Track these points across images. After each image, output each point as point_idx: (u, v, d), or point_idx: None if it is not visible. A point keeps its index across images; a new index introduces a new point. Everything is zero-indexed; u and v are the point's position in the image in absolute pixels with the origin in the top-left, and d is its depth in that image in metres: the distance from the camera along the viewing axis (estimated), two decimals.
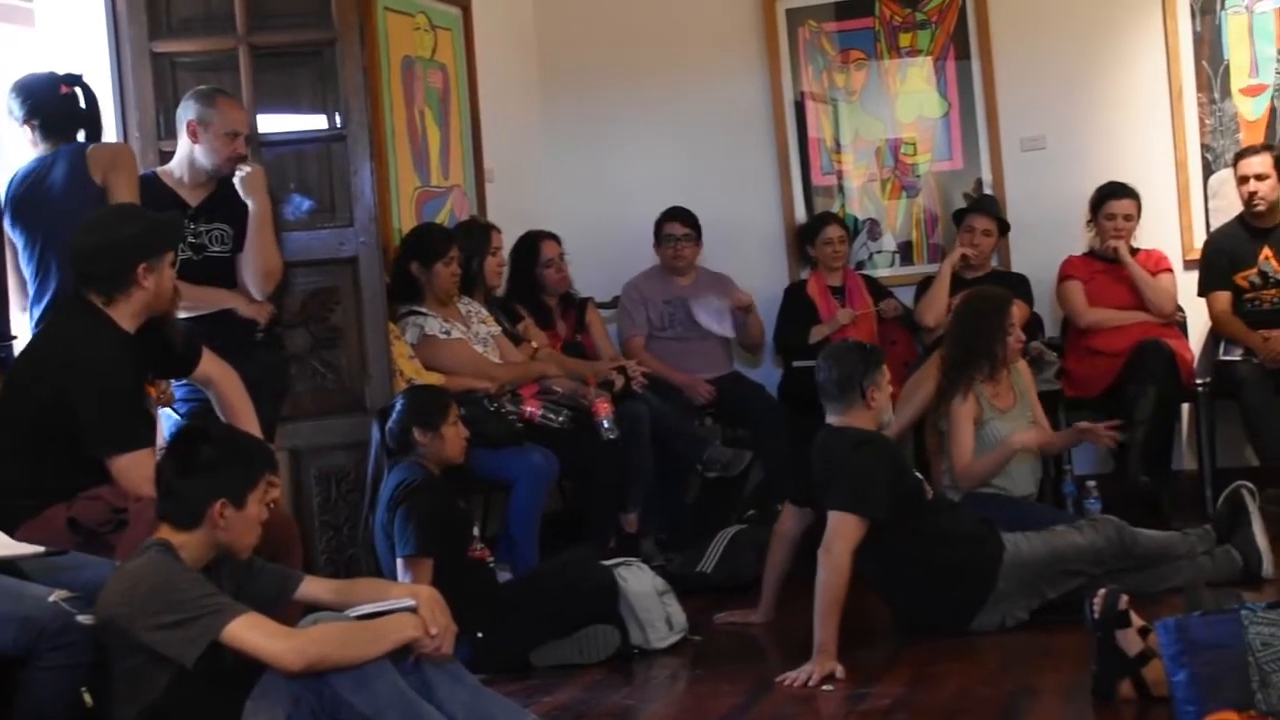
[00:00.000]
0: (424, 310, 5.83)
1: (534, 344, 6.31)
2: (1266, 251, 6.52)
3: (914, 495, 4.90)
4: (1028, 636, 4.82)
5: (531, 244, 6.63)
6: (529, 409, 5.79)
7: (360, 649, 3.32)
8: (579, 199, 7.63)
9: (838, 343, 5.77)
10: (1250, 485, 5.37)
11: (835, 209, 7.43)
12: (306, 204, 5.40)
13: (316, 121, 5.51)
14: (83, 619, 3.36)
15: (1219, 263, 6.61)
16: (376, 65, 6.05)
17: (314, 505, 5.32)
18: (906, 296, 7.15)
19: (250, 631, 3.27)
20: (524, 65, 7.69)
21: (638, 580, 5.00)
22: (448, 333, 5.83)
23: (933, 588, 4.91)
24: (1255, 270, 6.53)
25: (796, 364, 6.92)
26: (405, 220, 6.26)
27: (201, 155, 4.94)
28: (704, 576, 5.81)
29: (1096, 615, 4.01)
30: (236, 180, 4.96)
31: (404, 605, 3.49)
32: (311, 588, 3.69)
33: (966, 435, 5.53)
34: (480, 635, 4.62)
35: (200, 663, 3.26)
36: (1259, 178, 6.48)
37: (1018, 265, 7.15)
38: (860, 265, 7.43)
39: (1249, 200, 6.51)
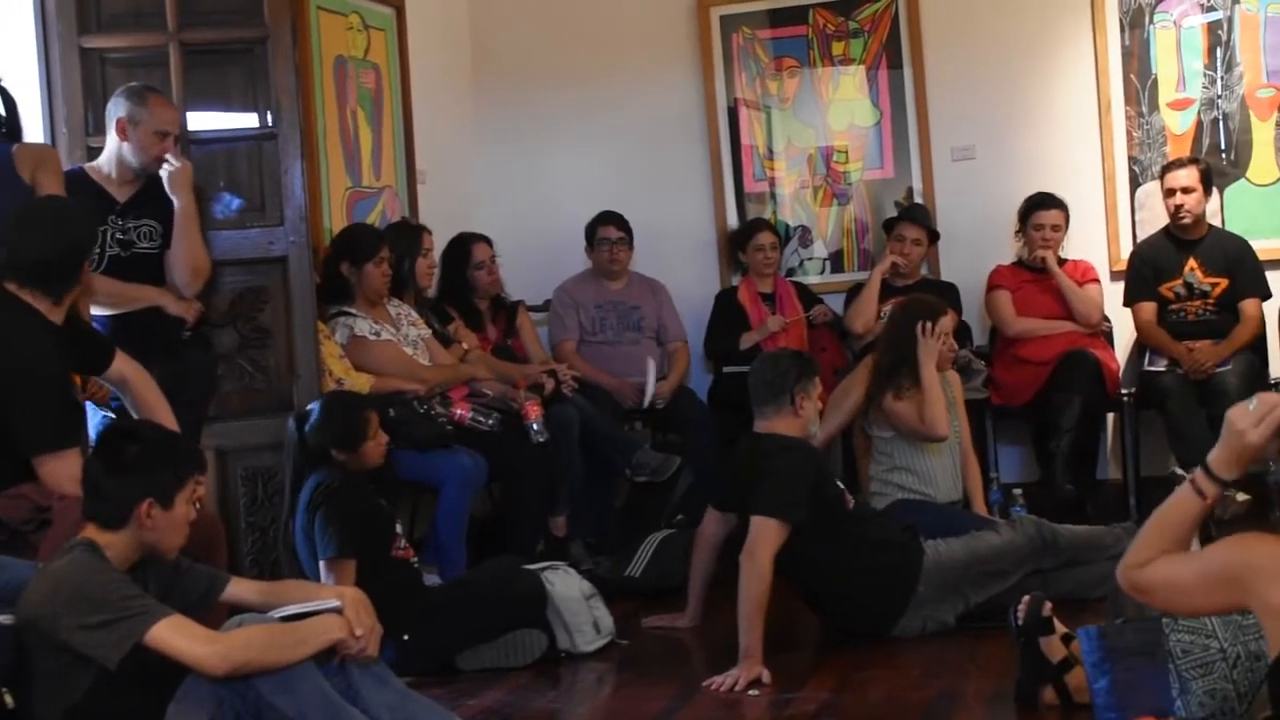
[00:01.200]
0: (353, 311, 5.80)
1: (464, 346, 6.30)
2: (1192, 263, 6.60)
3: (835, 503, 4.93)
4: (954, 643, 4.85)
5: (463, 246, 6.61)
6: (458, 411, 5.78)
7: (285, 652, 3.29)
8: (511, 202, 7.61)
9: (775, 349, 5.80)
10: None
11: (767, 215, 7.45)
12: (236, 202, 5.36)
13: (247, 120, 5.47)
14: (3, 619, 3.32)
15: (1145, 274, 6.68)
16: (308, 64, 6.02)
17: (240, 506, 5.29)
18: (836, 304, 7.18)
19: (174, 634, 3.24)
20: (457, 67, 7.67)
21: (565, 584, 5.00)
22: (377, 334, 5.81)
23: (855, 594, 4.93)
24: (1180, 282, 6.60)
25: (727, 370, 6.95)
26: (336, 220, 6.23)
27: (130, 153, 4.90)
28: (632, 580, 5.81)
29: (1020, 622, 4.04)
30: (163, 175, 4.91)
31: (329, 607, 3.47)
32: (238, 589, 3.67)
33: (910, 412, 5.56)
34: (406, 638, 4.61)
35: (124, 665, 3.22)
36: (1185, 191, 6.55)
37: (947, 274, 7.21)
38: (791, 272, 7.46)
39: (1175, 213, 6.59)
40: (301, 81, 5.47)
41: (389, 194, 6.69)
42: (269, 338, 5.35)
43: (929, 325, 5.55)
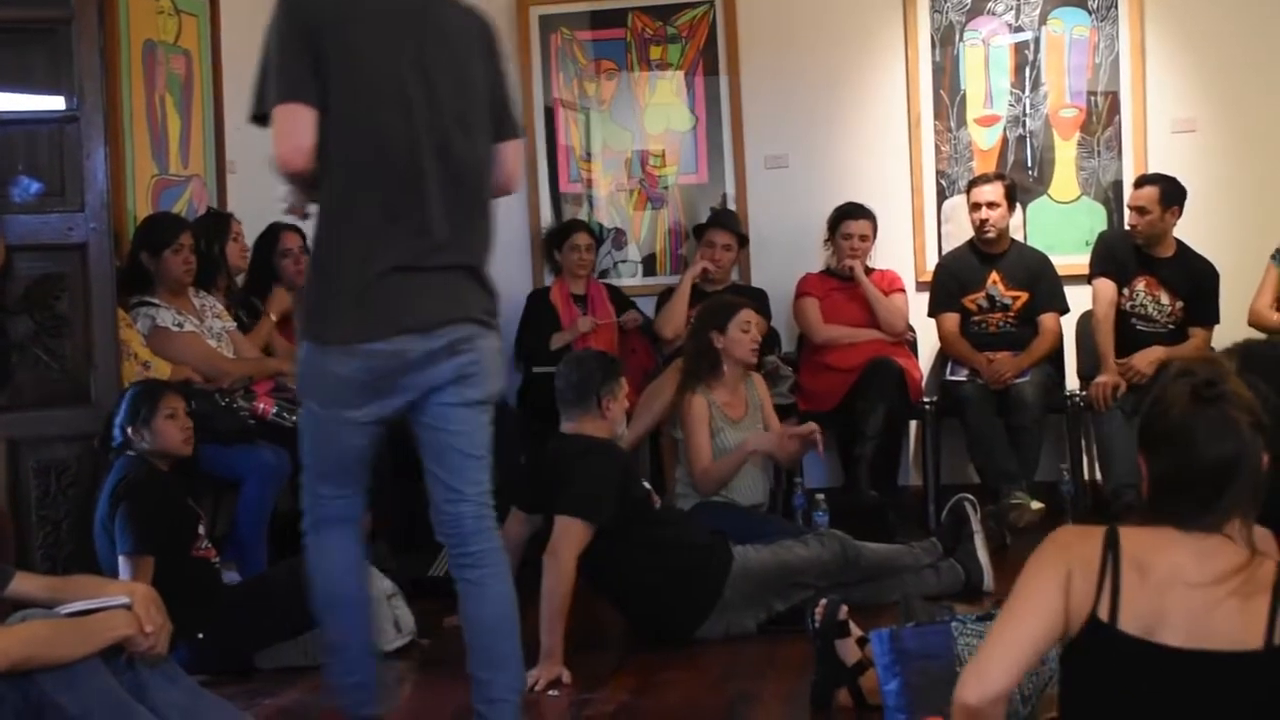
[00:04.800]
0: (156, 301, 5.68)
1: (271, 316, 6.22)
2: (994, 276, 6.75)
3: (641, 504, 4.95)
4: (754, 645, 4.90)
5: (272, 234, 6.51)
6: (262, 406, 5.68)
7: (69, 647, 3.21)
8: None
9: (580, 350, 5.81)
10: (971, 498, 5.56)
11: (582, 217, 7.46)
12: (35, 186, 5.21)
13: (50, 102, 5.32)
14: None
15: (949, 285, 6.82)
16: (115, 47, 5.86)
17: (32, 499, 5.12)
18: (649, 307, 7.21)
19: None
20: None
21: None
22: (180, 325, 5.68)
23: (659, 595, 4.96)
24: (983, 294, 6.75)
25: (536, 370, 6.93)
26: (140, 208, 6.08)
27: None
28: (435, 580, 5.76)
29: (817, 625, 4.10)
30: None
31: (118, 603, 3.39)
32: (23, 584, 3.56)
33: (703, 438, 5.61)
34: (201, 636, 4.53)
35: None
36: (990, 205, 6.69)
37: (758, 280, 7.28)
38: (605, 274, 7.47)
39: (980, 227, 6.73)
40: (107, 64, 5.33)
41: (197, 183, 6.55)
42: (66, 326, 5.21)
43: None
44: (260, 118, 3.36)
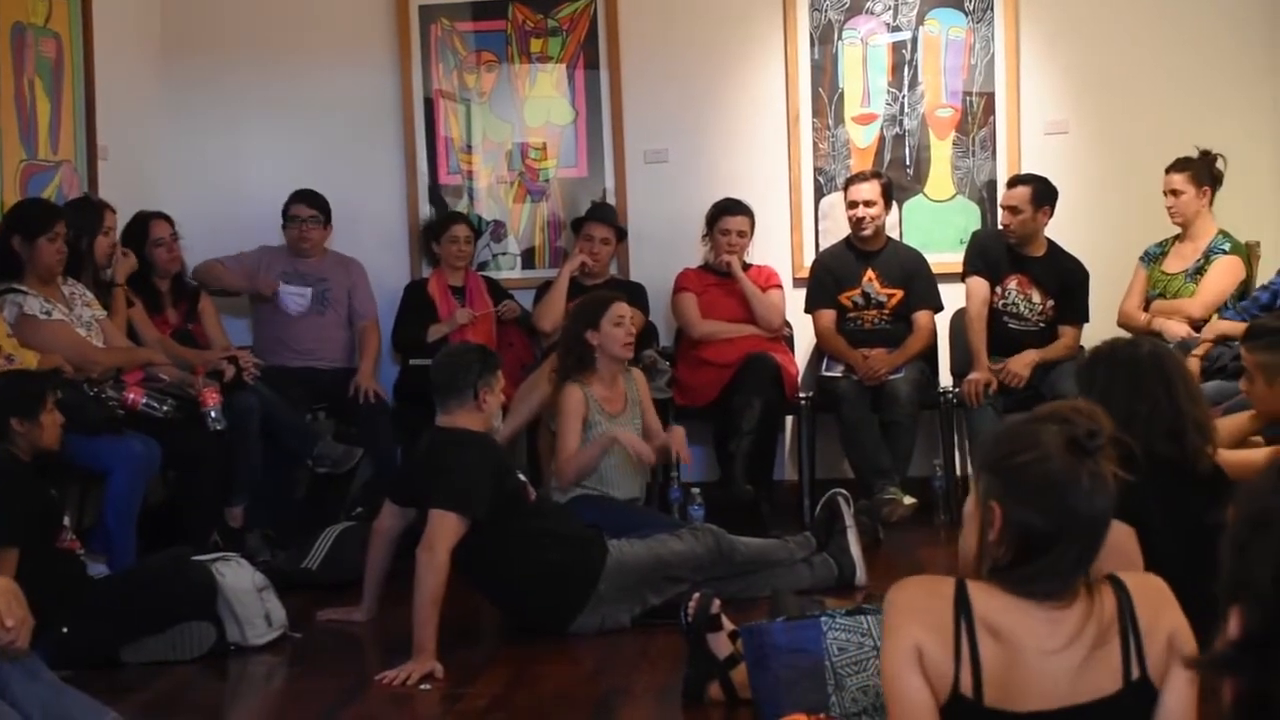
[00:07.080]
0: (23, 288, 5.57)
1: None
2: (870, 274, 6.81)
3: (515, 497, 4.94)
4: (628, 639, 4.91)
5: (142, 224, 6.43)
6: (131, 396, 5.60)
7: None
8: (199, 183, 7.41)
9: (456, 343, 5.79)
10: (845, 492, 5.61)
11: (462, 209, 7.42)
12: None
13: None
14: None
15: (825, 282, 6.87)
16: None
17: None
18: (528, 300, 7.19)
19: None
20: (145, 40, 7.43)
21: (236, 576, 4.90)
22: (48, 313, 5.58)
23: (534, 588, 4.96)
24: (858, 291, 6.81)
25: (413, 362, 6.90)
26: (8, 194, 5.96)
27: None
28: (308, 573, 5.72)
29: (690, 618, 4.12)
30: None
31: None
32: None
33: (574, 430, 5.60)
34: (66, 630, 4.46)
35: None
36: (867, 203, 6.76)
37: (636, 274, 7.29)
38: (483, 267, 7.43)
39: (856, 224, 6.79)
40: None
41: (67, 169, 6.44)
42: None
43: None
44: None
